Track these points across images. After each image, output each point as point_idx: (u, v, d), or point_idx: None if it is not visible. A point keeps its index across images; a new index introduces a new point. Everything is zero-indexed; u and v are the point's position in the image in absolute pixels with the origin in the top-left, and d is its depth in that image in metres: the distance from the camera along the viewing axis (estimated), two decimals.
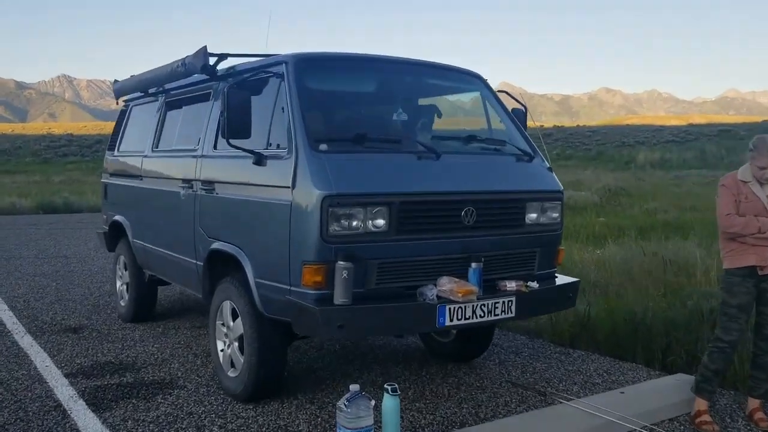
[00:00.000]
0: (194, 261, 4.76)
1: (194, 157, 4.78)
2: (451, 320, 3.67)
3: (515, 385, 4.58)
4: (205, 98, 4.92)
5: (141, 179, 5.77)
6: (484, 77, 4.74)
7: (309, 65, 4.05)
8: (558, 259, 4.42)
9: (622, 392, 4.05)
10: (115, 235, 6.48)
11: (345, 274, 3.44)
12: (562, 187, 4.37)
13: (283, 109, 3.89)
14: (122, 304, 6.41)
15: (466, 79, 4.71)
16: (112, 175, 6.61)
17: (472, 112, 5.13)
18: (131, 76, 6.13)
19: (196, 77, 4.99)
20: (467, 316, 3.72)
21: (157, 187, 5.42)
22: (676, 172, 32.46)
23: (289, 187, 3.65)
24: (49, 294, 7.64)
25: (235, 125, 3.78)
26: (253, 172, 3.97)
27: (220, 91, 4.68)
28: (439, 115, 4.73)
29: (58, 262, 9.95)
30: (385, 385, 3.39)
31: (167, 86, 5.61)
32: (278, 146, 3.90)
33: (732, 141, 47.29)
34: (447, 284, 3.70)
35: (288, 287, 3.68)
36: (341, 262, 3.45)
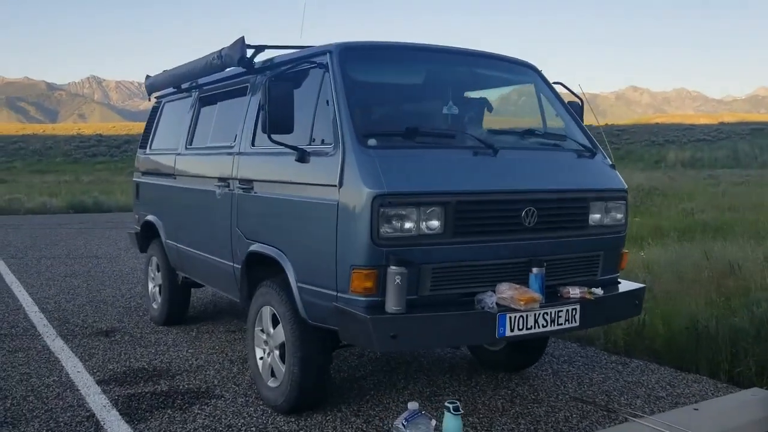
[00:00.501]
0: (231, 264, 4.52)
1: (231, 154, 4.55)
2: (512, 330, 3.38)
3: (575, 399, 4.27)
4: (241, 92, 4.68)
5: (174, 178, 5.56)
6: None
7: (355, 55, 3.78)
8: (622, 263, 4.10)
9: (696, 409, 3.71)
10: (147, 235, 6.28)
11: (398, 280, 3.17)
12: (626, 186, 4.06)
13: (327, 101, 3.63)
14: (155, 306, 6.20)
15: (519, 70, 4.40)
16: (144, 173, 6.41)
17: (523, 106, 4.83)
18: (164, 71, 5.93)
19: (232, 71, 4.77)
20: (529, 326, 3.43)
21: (192, 186, 5.20)
22: (709, 171, 31.74)
23: (335, 186, 3.39)
24: (80, 295, 7.47)
25: (276, 119, 3.53)
26: (296, 170, 3.71)
27: (258, 84, 4.44)
28: (490, 110, 4.44)
29: (88, 263, 9.82)
30: (446, 403, 3.12)
31: (201, 81, 5.39)
32: (323, 142, 3.64)
33: (765, 140, 46.21)
34: (507, 291, 3.41)
35: (335, 293, 3.42)
36: (394, 267, 3.18)
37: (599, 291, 3.77)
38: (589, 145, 4.09)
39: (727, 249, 8.56)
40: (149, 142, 6.40)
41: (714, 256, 7.84)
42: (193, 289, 6.17)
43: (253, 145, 4.33)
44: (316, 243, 3.56)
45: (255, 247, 4.15)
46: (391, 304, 3.19)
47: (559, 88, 4.46)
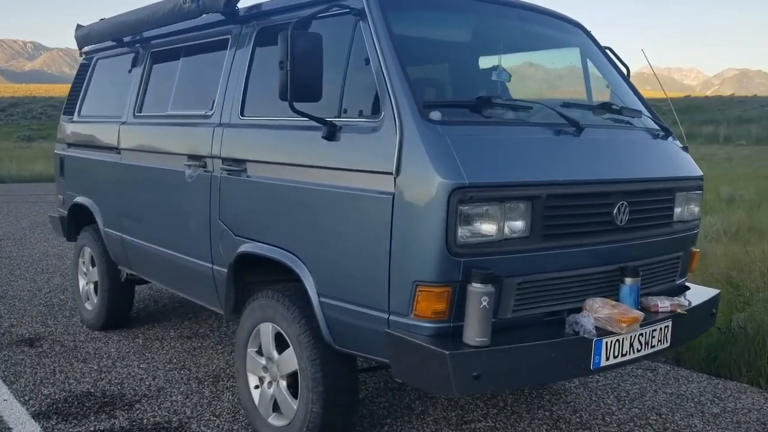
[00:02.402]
0: (209, 265, 3.57)
1: (208, 126, 3.56)
2: (607, 359, 2.67)
3: (626, 424, 3.63)
4: (218, 46, 3.69)
5: (118, 153, 4.47)
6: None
7: (399, 0, 2.90)
8: (692, 264, 3.47)
9: None
10: (77, 221, 5.16)
11: (485, 302, 2.37)
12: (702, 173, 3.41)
13: (366, 60, 2.74)
14: (88, 307, 5.11)
15: (566, 29, 3.63)
16: (71, 145, 5.24)
17: (558, 75, 4.09)
18: (101, 19, 4.79)
19: (204, 19, 3.76)
20: (624, 352, 2.73)
21: (146, 164, 4.15)
22: None
23: (390, 174, 2.53)
24: None
25: (302, 82, 2.61)
26: (322, 150, 2.82)
27: (244, 36, 3.48)
28: (508, 79, 3.64)
29: None
30: None
31: (152, 33, 4.32)
32: (360, 114, 2.76)
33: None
34: (603, 309, 2.68)
35: (385, 315, 2.59)
36: (478, 285, 2.38)
37: (685, 301, 3.12)
38: (662, 124, 3.40)
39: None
40: (77, 108, 5.23)
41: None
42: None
43: (242, 114, 3.37)
44: (355, 247, 2.70)
45: (249, 246, 3.24)
46: (475, 335, 2.39)
47: None
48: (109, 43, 4.84)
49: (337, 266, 2.79)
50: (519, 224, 2.56)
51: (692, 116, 47.56)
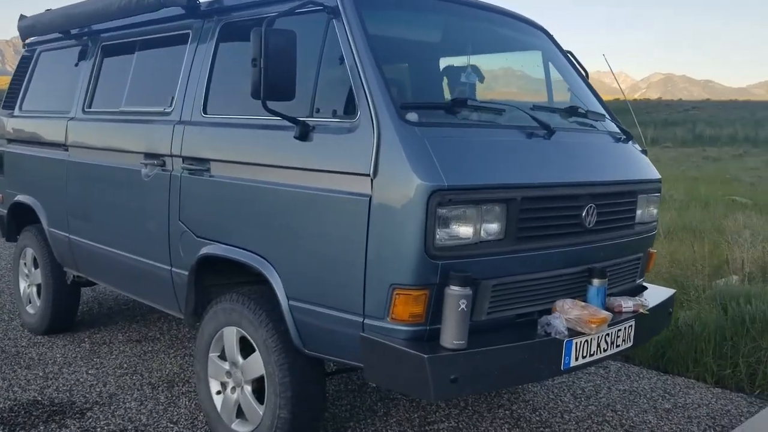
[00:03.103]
0: (168, 267, 3.46)
1: (167, 123, 3.45)
2: (576, 359, 2.72)
3: (584, 421, 3.69)
4: (177, 41, 3.58)
5: (66, 150, 4.29)
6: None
7: None
8: (650, 264, 3.56)
9: None
10: (17, 220, 4.92)
11: (463, 305, 2.37)
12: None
13: (340, 59, 2.70)
14: (30, 311, 4.88)
15: (529, 32, 3.67)
16: (12, 141, 5.00)
17: (517, 78, 4.13)
18: (47, 10, 4.57)
19: (163, 13, 3.63)
20: (592, 352, 2.78)
21: (98, 162, 3.99)
22: None
23: (367, 175, 2.50)
24: None
25: (276, 81, 2.55)
26: (294, 150, 2.76)
27: (206, 31, 3.39)
28: (481, 80, 3.69)
29: None
30: None
31: (103, 26, 4.16)
32: (334, 113, 2.72)
33: None
34: (572, 310, 2.72)
35: (360, 319, 2.56)
36: (456, 288, 2.38)
37: (646, 302, 3.20)
38: (623, 127, 3.48)
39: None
40: (18, 102, 4.99)
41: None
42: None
43: (205, 112, 3.28)
44: (329, 250, 2.66)
45: (212, 248, 3.15)
46: (452, 338, 2.39)
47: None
48: (55, 35, 4.63)
49: (309, 269, 2.74)
50: (494, 227, 2.57)
51: (621, 119, 49.25)
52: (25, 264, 4.95)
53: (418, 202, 2.38)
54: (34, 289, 4.86)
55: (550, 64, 3.71)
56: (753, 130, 44.33)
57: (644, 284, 3.56)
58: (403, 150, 2.43)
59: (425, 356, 2.34)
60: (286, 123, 2.72)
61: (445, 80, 3.42)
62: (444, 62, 3.46)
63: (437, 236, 2.41)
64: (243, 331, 3.03)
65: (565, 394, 4.10)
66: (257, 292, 3.00)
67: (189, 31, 3.51)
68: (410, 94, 3.09)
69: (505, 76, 4.08)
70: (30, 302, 4.90)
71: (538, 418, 3.73)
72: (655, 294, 3.46)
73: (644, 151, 3.53)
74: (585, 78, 3.78)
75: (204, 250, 3.18)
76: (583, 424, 3.69)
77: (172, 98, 3.48)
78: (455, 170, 2.46)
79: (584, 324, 2.69)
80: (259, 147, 2.96)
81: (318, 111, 2.77)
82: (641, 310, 3.06)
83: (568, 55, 3.80)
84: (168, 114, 3.48)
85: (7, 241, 5.21)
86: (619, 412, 3.86)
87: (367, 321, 2.53)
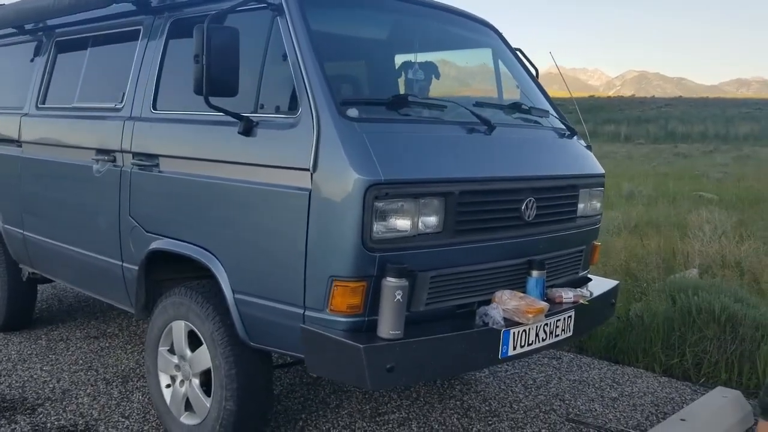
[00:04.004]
0: (119, 263, 3.48)
1: (118, 119, 3.47)
2: (514, 348, 2.79)
3: (570, 421, 3.75)
4: (129, 37, 3.59)
5: (19, 146, 4.28)
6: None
7: None
8: (594, 257, 3.65)
9: (683, 419, 3.39)
10: None
11: (398, 296, 2.44)
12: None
13: (284, 56, 2.74)
14: None
15: (478, 30, 3.74)
16: None
17: (468, 74, 4.21)
18: (1, 5, 4.55)
19: (112, 9, 3.64)
20: (530, 342, 2.86)
21: (50, 158, 3.99)
22: None
23: (307, 170, 2.55)
24: None
25: (218, 77, 2.58)
26: (238, 145, 2.80)
27: (156, 27, 3.41)
28: (437, 76, 3.74)
29: None
30: None
31: (57, 21, 4.15)
32: (277, 109, 2.77)
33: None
34: (510, 301, 2.80)
35: (300, 311, 2.61)
36: (392, 279, 2.44)
37: (587, 293, 3.29)
38: (567, 124, 3.56)
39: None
40: None
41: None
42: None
43: (154, 108, 3.30)
44: (270, 243, 2.71)
45: (161, 243, 3.18)
46: (388, 328, 2.45)
47: None
48: (10, 31, 4.61)
49: (253, 262, 2.79)
50: (432, 220, 2.63)
51: (596, 115, 49.69)
52: None
53: (355, 195, 2.43)
54: None
55: (500, 62, 3.78)
56: (723, 127, 45.10)
57: (588, 276, 3.65)
58: (342, 145, 2.48)
59: (361, 346, 2.40)
60: (232, 119, 2.76)
61: (396, 77, 3.48)
62: (396, 60, 3.52)
63: (374, 229, 2.47)
64: (191, 325, 3.07)
65: (516, 385, 4.19)
66: (204, 286, 3.04)
67: (140, 27, 3.52)
68: (355, 91, 3.14)
69: (457, 73, 4.15)
70: None
71: (487, 408, 3.82)
72: (599, 285, 3.55)
73: (589, 147, 3.62)
74: (534, 75, 3.86)
75: (153, 245, 3.21)
76: (531, 413, 3.78)
77: (123, 94, 3.50)
78: (393, 164, 2.52)
79: (521, 314, 2.77)
80: (205, 143, 3.00)
81: (262, 107, 2.81)
82: (581, 301, 3.15)
83: (518, 53, 3.88)
84: (119, 110, 3.49)
85: None
86: (567, 401, 3.96)
87: (307, 313, 2.59)
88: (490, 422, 3.63)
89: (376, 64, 3.50)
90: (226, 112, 2.70)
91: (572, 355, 4.78)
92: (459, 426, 3.58)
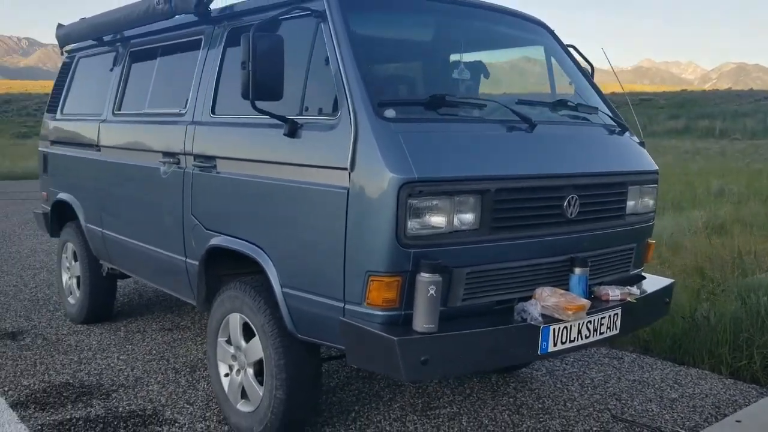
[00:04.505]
0: (183, 258, 3.70)
1: (181, 123, 3.69)
2: (555, 345, 2.80)
3: (616, 419, 3.73)
4: (192, 47, 3.81)
5: (98, 150, 4.59)
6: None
7: (359, 1, 3.02)
8: (648, 255, 3.60)
9: (739, 421, 3.30)
10: (60, 217, 5.28)
11: (432, 291, 2.50)
12: (657, 167, 3.54)
13: (326, 60, 2.86)
14: (71, 301, 5.23)
15: (530, 29, 3.75)
16: (54, 143, 5.36)
17: (522, 72, 4.21)
18: (81, 19, 4.90)
19: (179, 20, 3.87)
20: (572, 338, 2.86)
21: (124, 161, 4.27)
22: None
23: (345, 169, 2.66)
24: None
25: (263, 82, 2.73)
26: (284, 146, 2.94)
27: (216, 36, 3.60)
28: (486, 75, 3.78)
29: None
30: None
31: (131, 32, 4.43)
32: (320, 111, 2.89)
33: (652, 110, 48.03)
34: (551, 298, 2.81)
35: (341, 304, 2.72)
36: (426, 275, 2.51)
37: (636, 290, 3.25)
38: (619, 120, 3.53)
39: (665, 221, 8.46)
40: (60, 106, 5.35)
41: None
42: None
43: (213, 112, 3.49)
44: (314, 240, 2.83)
45: (218, 240, 3.36)
46: (422, 322, 2.52)
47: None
48: (91, 43, 4.95)
49: (298, 258, 2.92)
50: (468, 217, 2.68)
51: (689, 110, 47.71)
52: (66, 258, 5.30)
53: (389, 193, 2.52)
54: (75, 281, 5.20)
55: (552, 59, 3.78)
56: None
57: (642, 274, 3.60)
58: (377, 144, 2.57)
59: (395, 339, 2.48)
60: (280, 122, 2.90)
61: (441, 78, 3.54)
62: (445, 60, 3.58)
63: (409, 226, 2.54)
64: (245, 317, 3.23)
65: (572, 383, 4.16)
66: (257, 281, 3.19)
67: (201, 36, 3.73)
68: (398, 92, 3.22)
69: (509, 71, 4.16)
70: (71, 293, 5.25)
71: (540, 406, 3.82)
72: (652, 284, 3.50)
73: (642, 143, 3.57)
74: (587, 71, 3.84)
75: (212, 242, 3.40)
76: (584, 411, 3.75)
77: (187, 100, 3.71)
78: (427, 163, 2.58)
79: (561, 311, 2.78)
80: (255, 144, 3.16)
81: (307, 110, 2.94)
82: (629, 299, 3.12)
83: (570, 49, 3.86)
84: (182, 115, 3.71)
85: (51, 237, 5.58)
86: (623, 401, 3.90)
87: (347, 306, 2.69)
88: (541, 419, 3.64)
89: (421, 65, 3.57)
90: (272, 115, 2.84)
91: (635, 356, 4.70)
92: (509, 422, 3.60)
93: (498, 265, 2.78)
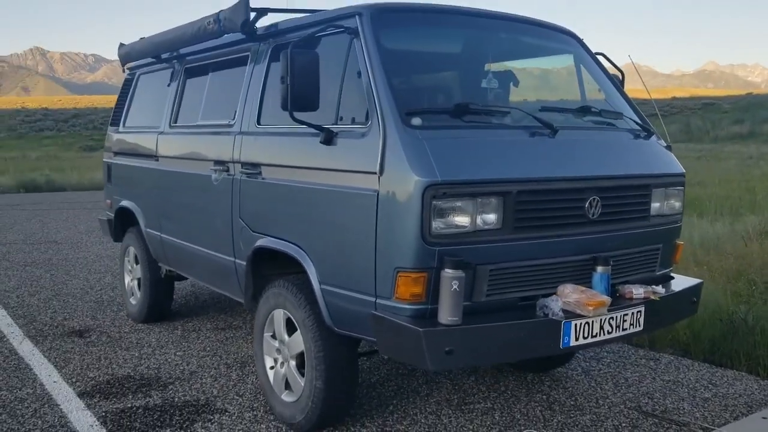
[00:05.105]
0: (232, 259, 3.97)
1: (230, 134, 3.97)
2: (577, 339, 2.95)
3: (644, 414, 3.84)
4: (239, 63, 4.10)
5: (156, 160, 4.94)
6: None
7: (390, 18, 3.24)
8: (676, 255, 3.69)
9: (766, 417, 3.36)
10: (122, 223, 5.65)
11: (455, 286, 2.69)
12: (684, 170, 3.64)
13: (359, 73, 3.09)
14: (132, 302, 5.60)
15: (559, 38, 3.91)
16: (117, 154, 5.76)
17: (554, 79, 4.36)
18: (141, 38, 5.27)
19: (228, 38, 4.17)
20: (594, 334, 2.99)
21: (180, 170, 4.60)
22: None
23: (375, 173, 2.88)
24: (45, 288, 6.79)
25: (300, 94, 2.98)
26: (320, 153, 3.18)
27: (261, 53, 3.87)
28: (516, 84, 3.95)
29: (49, 249, 9.06)
30: None
31: (186, 50, 4.77)
32: (353, 121, 3.12)
33: (716, 114, 46.84)
34: (572, 294, 2.96)
35: (372, 299, 2.93)
36: (450, 271, 2.70)
37: (661, 289, 3.36)
38: (645, 125, 3.65)
39: (706, 226, 8.40)
40: (122, 119, 5.74)
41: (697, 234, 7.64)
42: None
43: (259, 123, 3.77)
44: (348, 239, 3.06)
45: (264, 241, 3.62)
46: (447, 315, 2.71)
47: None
48: (150, 60, 5.32)
49: (334, 256, 3.15)
50: (491, 217, 2.86)
51: (754, 114, 46.29)
52: (128, 261, 5.67)
53: (415, 195, 2.72)
54: (136, 282, 5.56)
55: (582, 67, 3.93)
56: None
57: (671, 274, 3.69)
58: (403, 150, 2.78)
59: (421, 330, 2.68)
60: (317, 131, 3.14)
61: (470, 87, 3.72)
62: (475, 70, 3.77)
63: (433, 225, 2.74)
64: (288, 313, 3.48)
65: (607, 382, 4.27)
66: (298, 279, 3.43)
67: (248, 53, 4.01)
68: (426, 102, 3.42)
69: (539, 79, 4.32)
70: (132, 294, 5.61)
71: (572, 403, 3.94)
72: (680, 283, 3.60)
73: (668, 147, 3.67)
74: (616, 78, 3.97)
75: (258, 243, 3.66)
76: (615, 408, 3.86)
77: (235, 112, 4.00)
78: (450, 167, 2.78)
79: (582, 306, 2.92)
80: (295, 152, 3.41)
81: (341, 119, 3.18)
82: (652, 297, 3.23)
83: (598, 57, 4.00)
84: (231, 126, 3.99)
85: (114, 241, 5.98)
86: (656, 399, 3.99)
87: (378, 301, 2.90)
88: (572, 415, 3.76)
89: (450, 76, 3.77)
90: (309, 125, 3.09)
91: (672, 357, 4.76)
92: (541, 417, 3.74)
93: (520, 263, 2.95)
